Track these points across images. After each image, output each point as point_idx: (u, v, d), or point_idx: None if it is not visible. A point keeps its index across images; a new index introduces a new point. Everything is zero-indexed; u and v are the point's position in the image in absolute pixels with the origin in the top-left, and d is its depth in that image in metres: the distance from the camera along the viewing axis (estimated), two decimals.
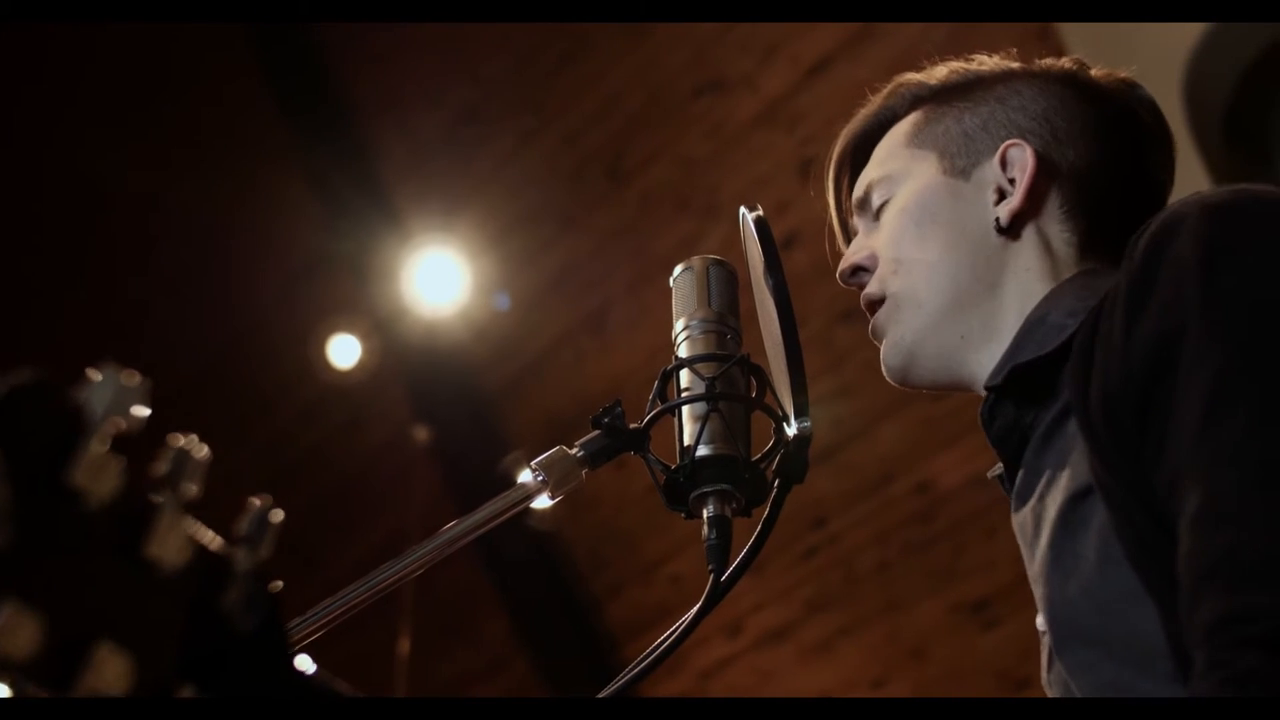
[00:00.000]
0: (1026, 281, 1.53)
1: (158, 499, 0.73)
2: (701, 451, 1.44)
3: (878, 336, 1.62)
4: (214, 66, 6.52)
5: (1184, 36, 4.93)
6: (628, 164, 6.22)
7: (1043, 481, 1.39)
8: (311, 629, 1.31)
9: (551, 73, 6.15)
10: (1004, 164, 1.58)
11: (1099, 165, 1.58)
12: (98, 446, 0.70)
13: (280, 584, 0.80)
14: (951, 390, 1.62)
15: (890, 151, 1.68)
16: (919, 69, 1.73)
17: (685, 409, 1.48)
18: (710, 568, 1.42)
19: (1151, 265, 1.19)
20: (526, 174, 6.39)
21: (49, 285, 6.95)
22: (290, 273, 6.85)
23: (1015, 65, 1.68)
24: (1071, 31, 4.97)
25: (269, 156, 6.68)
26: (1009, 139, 1.59)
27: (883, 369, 1.62)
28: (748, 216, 1.58)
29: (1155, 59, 4.89)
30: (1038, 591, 1.37)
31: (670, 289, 1.59)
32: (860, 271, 1.64)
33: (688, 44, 5.89)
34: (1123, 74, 1.66)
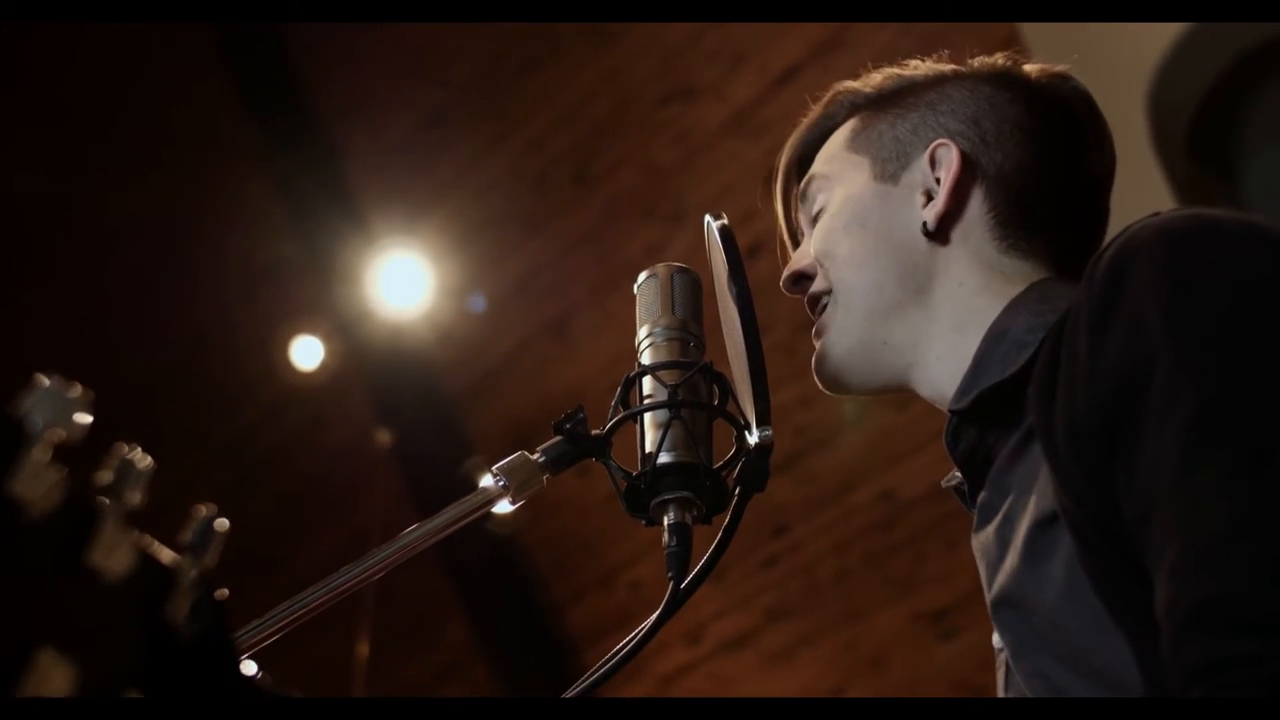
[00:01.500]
0: (957, 289, 1.53)
1: (101, 508, 0.73)
2: (663, 459, 1.44)
3: (819, 340, 1.62)
4: (182, 67, 6.50)
5: (1149, 50, 4.96)
6: (594, 170, 6.22)
7: (1007, 503, 1.38)
8: (271, 630, 1.30)
9: (519, 77, 6.15)
10: (932, 166, 1.58)
11: (1030, 166, 1.57)
12: (39, 457, 0.70)
13: (226, 592, 0.79)
14: (882, 393, 1.63)
15: (827, 159, 1.68)
16: (856, 77, 1.74)
17: (647, 416, 1.48)
18: (670, 575, 1.42)
19: (1113, 290, 1.18)
20: (492, 178, 6.38)
21: (13, 282, 6.91)
22: (254, 273, 6.83)
23: (948, 68, 1.67)
24: (1037, 44, 4.99)
25: (235, 157, 6.66)
26: (937, 141, 1.59)
27: (814, 377, 1.62)
28: (712, 225, 1.58)
29: (1120, 72, 4.91)
30: (1000, 614, 1.36)
31: (634, 295, 1.60)
32: (802, 279, 1.64)
33: (656, 51, 5.90)
34: (1057, 68, 1.65)
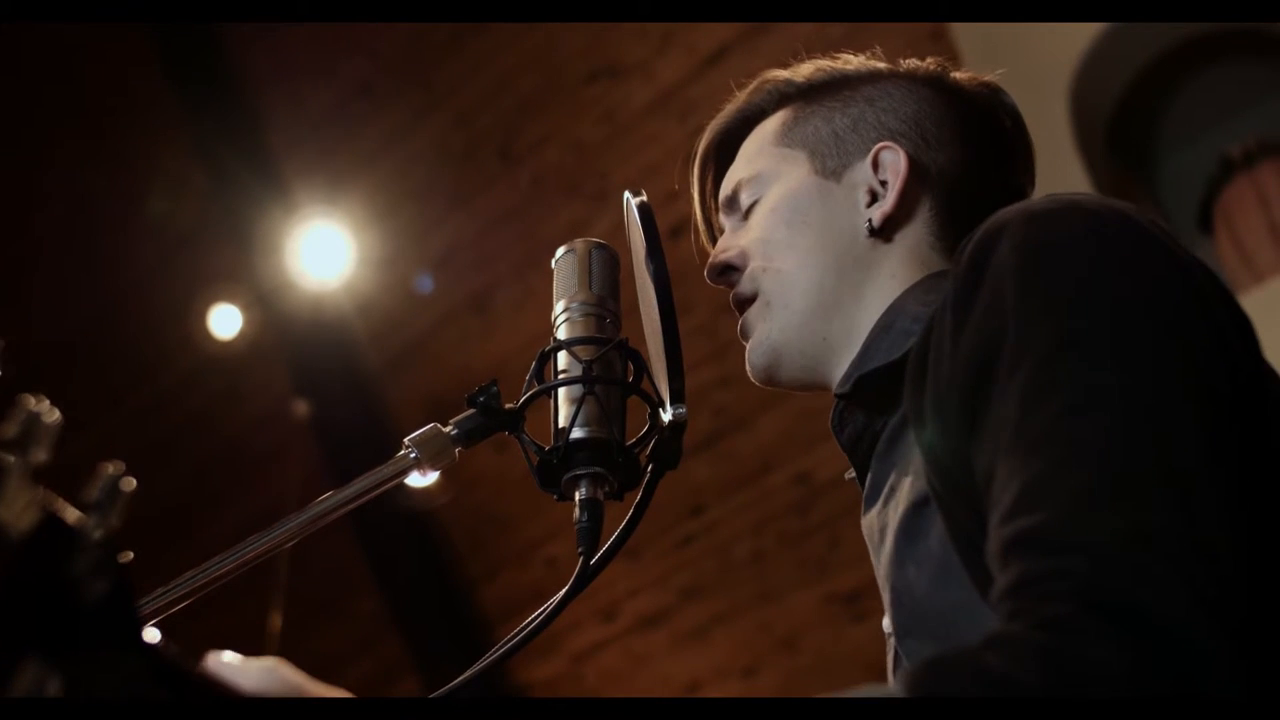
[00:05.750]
0: (889, 281, 1.54)
1: (5, 464, 0.71)
2: (575, 434, 1.44)
3: (745, 335, 1.61)
4: (103, 30, 6.42)
5: (1073, 44, 5.01)
6: (519, 146, 6.21)
7: (887, 487, 1.40)
8: (178, 597, 1.29)
9: (446, 50, 6.12)
10: (876, 166, 1.58)
11: (965, 169, 1.59)
12: None
13: (130, 554, 0.77)
14: (812, 390, 1.62)
15: (758, 149, 1.67)
16: (785, 64, 1.73)
17: (561, 391, 1.48)
18: (580, 550, 1.42)
19: (975, 272, 1.20)
20: (417, 151, 6.35)
21: None
22: (173, 240, 6.76)
23: (882, 66, 1.67)
24: (964, 37, 5.03)
25: (156, 122, 6.59)
26: (880, 141, 1.59)
27: (747, 368, 1.61)
28: (631, 202, 1.57)
29: (1044, 66, 4.96)
30: (885, 596, 1.38)
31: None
32: (730, 270, 1.63)
33: (584, 28, 5.89)
34: (986, 77, 1.67)
